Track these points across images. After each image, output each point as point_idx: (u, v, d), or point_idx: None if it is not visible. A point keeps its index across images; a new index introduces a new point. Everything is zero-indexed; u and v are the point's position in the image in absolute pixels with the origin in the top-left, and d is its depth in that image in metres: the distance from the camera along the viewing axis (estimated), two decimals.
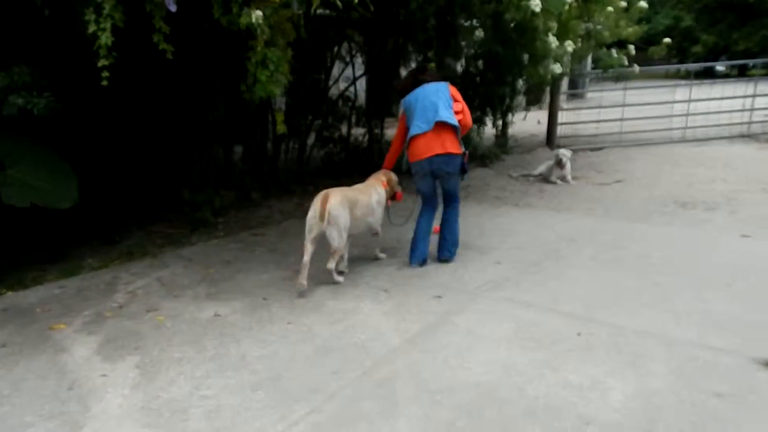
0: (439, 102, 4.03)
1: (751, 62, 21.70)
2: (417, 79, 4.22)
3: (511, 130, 9.86)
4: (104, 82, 3.14)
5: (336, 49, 7.07)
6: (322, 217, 3.66)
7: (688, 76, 16.61)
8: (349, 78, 7.50)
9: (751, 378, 2.67)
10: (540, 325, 3.25)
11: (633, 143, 9.93)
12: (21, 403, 2.55)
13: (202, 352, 2.97)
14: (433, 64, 6.77)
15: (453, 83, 4.33)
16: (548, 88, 9.83)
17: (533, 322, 3.29)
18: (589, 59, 11.78)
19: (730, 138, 10.12)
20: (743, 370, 2.74)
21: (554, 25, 5.38)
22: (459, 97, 4.20)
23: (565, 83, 13.12)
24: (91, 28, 2.97)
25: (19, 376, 2.77)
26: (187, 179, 5.68)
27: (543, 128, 10.34)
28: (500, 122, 9.01)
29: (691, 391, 2.56)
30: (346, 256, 4.11)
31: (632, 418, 2.38)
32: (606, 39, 7.57)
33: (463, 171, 4.20)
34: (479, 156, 8.13)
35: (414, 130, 4.06)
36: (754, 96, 10.46)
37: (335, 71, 7.54)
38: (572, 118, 10.49)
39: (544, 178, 7.51)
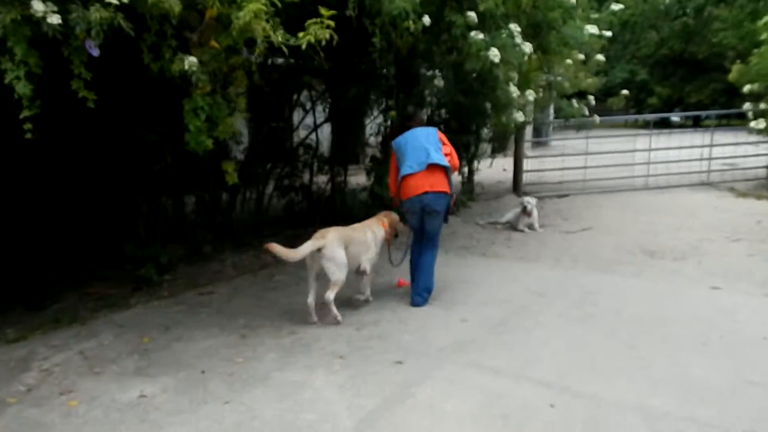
0: (429, 146, 4.30)
1: (704, 113, 22.75)
2: (405, 125, 4.57)
3: (477, 177, 9.83)
4: (28, 135, 2.82)
5: (296, 96, 6.89)
6: (319, 253, 3.88)
7: (646, 125, 17.19)
8: (312, 126, 7.32)
9: None
10: (509, 397, 2.94)
11: (597, 190, 10.00)
12: None
13: None
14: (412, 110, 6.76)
15: None
16: (513, 136, 9.90)
17: (501, 394, 2.98)
18: (552, 108, 12.03)
19: (691, 186, 10.31)
20: None
21: (515, 75, 5.36)
22: (446, 141, 4.49)
23: (529, 131, 13.35)
24: (8, 77, 2.68)
25: None
26: (131, 233, 5.26)
27: (509, 175, 10.35)
28: (466, 169, 8.94)
29: None
30: (368, 290, 4.42)
31: None
32: (566, 90, 7.66)
33: (448, 214, 4.46)
34: None
35: (406, 170, 4.30)
36: (711, 146, 10.76)
37: (296, 119, 7.35)
38: (537, 165, 10.56)
39: (512, 226, 7.37)
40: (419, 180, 4.25)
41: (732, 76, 10.52)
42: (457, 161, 4.57)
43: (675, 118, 26.97)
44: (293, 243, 6.79)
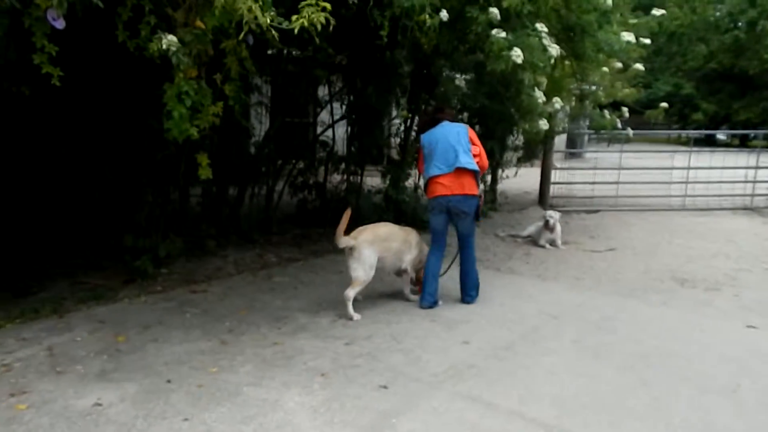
0: (459, 147, 4.26)
1: (752, 133, 21.55)
2: (435, 118, 4.51)
3: (502, 186, 9.42)
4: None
5: (311, 91, 6.65)
6: (351, 251, 4.04)
7: (688, 142, 16.37)
8: (328, 123, 7.08)
9: None
10: None
11: (630, 208, 9.43)
12: None
13: None
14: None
15: None
16: (542, 145, 9.45)
17: None
18: (586, 119, 11.50)
19: (732, 210, 9.62)
20: None
21: (543, 80, 4.99)
22: (477, 140, 4.44)
23: (563, 141, 12.80)
24: None
25: None
26: (133, 223, 5.11)
27: (536, 186, 9.90)
28: (489, 177, 8.55)
29: None
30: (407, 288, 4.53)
31: None
32: (601, 100, 7.21)
33: (478, 214, 4.41)
34: None
35: (434, 171, 4.30)
36: (756, 167, 10.04)
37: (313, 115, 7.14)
38: (567, 177, 10.04)
39: (533, 240, 6.96)
40: (447, 181, 4.28)
41: None
42: (486, 161, 4.54)
43: (721, 136, 25.78)
44: (301, 243, 6.68)
